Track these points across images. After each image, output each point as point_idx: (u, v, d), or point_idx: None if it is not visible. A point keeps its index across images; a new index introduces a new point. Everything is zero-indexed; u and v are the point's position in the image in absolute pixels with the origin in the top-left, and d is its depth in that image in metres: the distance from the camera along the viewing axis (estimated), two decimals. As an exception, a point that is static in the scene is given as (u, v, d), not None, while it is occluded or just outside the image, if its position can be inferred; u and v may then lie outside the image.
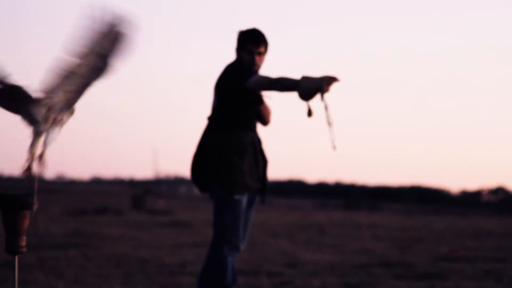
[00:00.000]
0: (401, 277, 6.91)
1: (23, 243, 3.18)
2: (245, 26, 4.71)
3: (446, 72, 52.23)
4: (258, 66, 4.64)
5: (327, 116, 4.28)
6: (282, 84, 4.32)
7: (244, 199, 4.62)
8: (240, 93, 4.54)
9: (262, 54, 4.63)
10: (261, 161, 4.69)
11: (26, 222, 3.18)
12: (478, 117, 53.58)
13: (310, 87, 4.19)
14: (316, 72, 4.29)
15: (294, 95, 4.29)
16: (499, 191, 49.96)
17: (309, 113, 4.30)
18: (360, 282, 6.48)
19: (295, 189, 53.02)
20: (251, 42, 4.60)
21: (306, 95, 4.22)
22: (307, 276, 6.83)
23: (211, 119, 4.66)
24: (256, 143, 4.67)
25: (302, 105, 4.29)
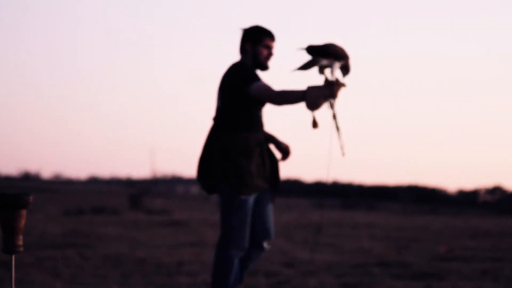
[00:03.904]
0: (399, 277, 6.91)
1: (20, 242, 3.17)
2: (242, 26, 4.71)
3: (444, 74, 52.25)
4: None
5: (336, 123, 4.35)
6: (288, 97, 4.33)
7: (251, 199, 4.60)
8: (243, 94, 4.53)
9: (273, 49, 4.67)
10: (267, 161, 4.68)
11: (23, 222, 3.17)
12: (475, 117, 53.62)
13: (318, 97, 4.21)
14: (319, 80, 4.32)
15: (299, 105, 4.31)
16: (496, 191, 49.98)
17: (315, 125, 4.32)
18: (358, 282, 6.48)
19: (292, 188, 53.01)
20: (269, 37, 4.64)
21: (314, 105, 4.23)
22: (304, 276, 6.83)
23: (215, 120, 4.65)
24: (263, 143, 4.66)
25: (308, 116, 4.31)
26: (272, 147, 4.81)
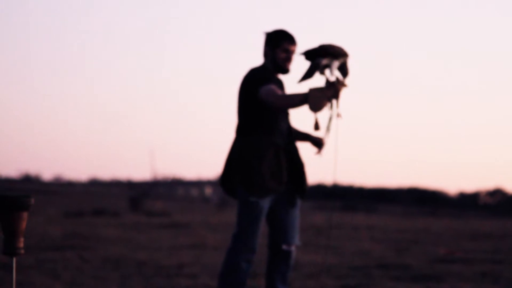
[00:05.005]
0: (399, 279, 6.91)
1: (21, 245, 3.18)
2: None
3: (444, 75, 52.25)
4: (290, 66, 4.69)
5: (329, 124, 4.40)
6: (290, 100, 4.36)
7: (264, 202, 4.60)
8: (255, 97, 4.55)
9: (294, 53, 4.67)
10: (285, 164, 4.64)
11: (24, 224, 3.17)
12: (476, 118, 53.61)
13: (320, 98, 4.24)
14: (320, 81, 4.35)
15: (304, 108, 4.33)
16: (496, 193, 49.99)
17: (316, 127, 4.37)
18: (358, 284, 6.48)
19: (292, 190, 52.79)
20: (288, 41, 4.65)
21: (317, 107, 4.25)
22: (305, 278, 6.83)
23: (237, 124, 4.69)
24: (280, 145, 4.63)
25: (310, 118, 4.34)
26: (307, 144, 4.84)
